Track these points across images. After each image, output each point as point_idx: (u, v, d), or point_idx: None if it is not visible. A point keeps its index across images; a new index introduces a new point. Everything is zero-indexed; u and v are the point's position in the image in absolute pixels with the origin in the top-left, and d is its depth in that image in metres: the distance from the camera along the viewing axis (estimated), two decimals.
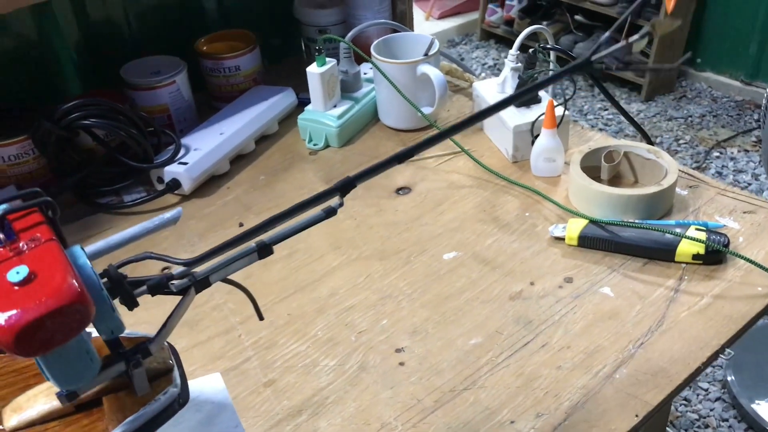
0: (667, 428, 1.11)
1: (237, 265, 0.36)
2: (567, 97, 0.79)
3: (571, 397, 0.54)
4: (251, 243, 0.36)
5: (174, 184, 0.80)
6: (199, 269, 0.36)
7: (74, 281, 0.29)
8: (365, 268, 0.69)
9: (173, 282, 0.35)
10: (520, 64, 0.83)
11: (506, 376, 0.56)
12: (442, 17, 3.23)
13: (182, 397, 0.35)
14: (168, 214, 0.37)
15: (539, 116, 0.78)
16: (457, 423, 0.53)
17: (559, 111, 0.77)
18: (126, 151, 0.81)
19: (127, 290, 0.35)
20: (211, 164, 0.82)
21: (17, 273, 0.30)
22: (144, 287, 0.35)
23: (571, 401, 0.54)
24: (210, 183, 0.83)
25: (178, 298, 0.36)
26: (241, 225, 0.76)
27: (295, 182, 0.83)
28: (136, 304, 0.35)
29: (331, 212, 0.38)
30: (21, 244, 0.32)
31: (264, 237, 0.37)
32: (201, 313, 0.63)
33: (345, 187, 0.37)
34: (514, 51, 0.83)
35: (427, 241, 0.71)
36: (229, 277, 0.37)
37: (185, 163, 0.80)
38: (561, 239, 0.69)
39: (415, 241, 0.71)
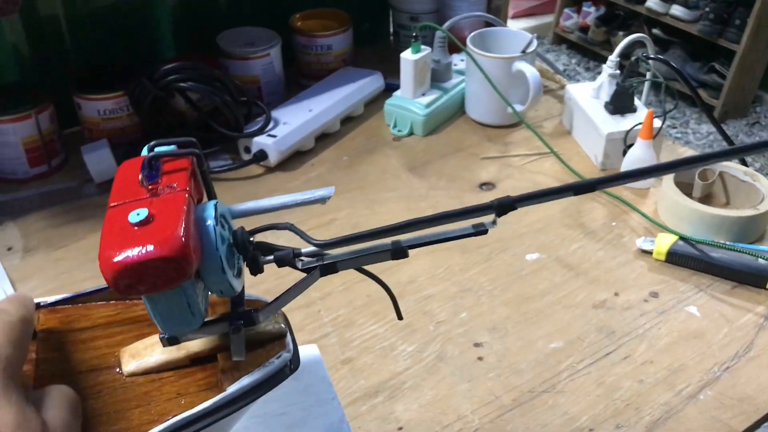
0: None
1: (367, 260, 0.35)
2: (668, 109, 0.77)
3: (653, 412, 0.53)
4: (387, 241, 0.35)
5: (261, 156, 0.80)
6: (330, 254, 0.36)
7: (182, 235, 0.30)
8: (446, 260, 0.68)
9: (301, 259, 0.35)
10: (618, 72, 0.81)
11: (587, 384, 0.55)
12: (515, 17, 3.20)
13: (293, 363, 0.35)
14: (320, 191, 0.37)
15: (635, 125, 0.77)
16: (535, 424, 0.52)
17: (655, 123, 0.75)
18: (216, 117, 0.82)
19: (251, 256, 0.35)
20: (297, 139, 0.82)
21: (137, 214, 0.31)
22: (271, 257, 0.35)
23: (653, 416, 0.53)
24: (294, 158, 0.84)
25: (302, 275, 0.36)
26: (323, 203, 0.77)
27: (378, 166, 0.83)
28: (261, 271, 0.36)
29: (481, 231, 0.35)
30: (158, 188, 0.33)
31: (401, 238, 0.36)
32: (284, 284, 0.64)
33: (502, 207, 0.34)
34: (614, 57, 0.81)
35: (509, 240, 0.71)
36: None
37: (274, 136, 0.81)
38: (648, 253, 0.68)
39: (498, 239, 0.71)
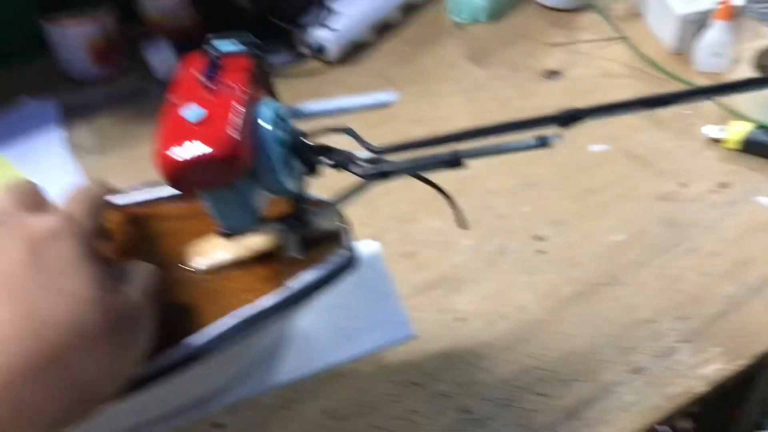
0: None
1: (424, 168, 0.35)
2: None
3: (716, 305, 0.53)
4: (445, 150, 0.35)
5: (320, 50, 0.80)
6: (387, 160, 0.36)
7: (234, 135, 0.30)
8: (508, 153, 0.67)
9: (358, 164, 0.36)
10: None
11: (649, 277, 0.55)
12: None
13: (352, 261, 0.36)
14: (383, 96, 0.37)
15: (713, 5, 0.72)
16: (595, 315, 0.53)
17: (736, 0, 0.70)
18: (275, 12, 0.81)
19: (307, 158, 0.36)
20: (357, 31, 0.81)
21: (192, 112, 0.31)
22: (329, 160, 0.35)
23: (716, 309, 0.52)
24: (355, 51, 0.83)
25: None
26: None
27: (440, 56, 0.81)
28: (318, 174, 0.36)
29: (544, 144, 0.34)
30: (216, 86, 0.33)
31: (459, 147, 0.35)
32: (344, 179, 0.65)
33: (568, 119, 0.33)
34: None
35: (574, 130, 0.69)
36: None
37: (333, 29, 0.79)
38: (720, 142, 0.65)
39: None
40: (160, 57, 0.79)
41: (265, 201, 0.36)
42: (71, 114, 0.78)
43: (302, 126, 0.37)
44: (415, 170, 0.35)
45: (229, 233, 0.35)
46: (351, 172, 0.36)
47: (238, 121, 0.31)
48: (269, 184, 0.34)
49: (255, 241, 0.37)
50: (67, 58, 0.81)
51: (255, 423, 0.48)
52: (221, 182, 0.31)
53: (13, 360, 0.26)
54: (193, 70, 0.34)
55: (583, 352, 0.50)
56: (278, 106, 0.35)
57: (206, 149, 0.30)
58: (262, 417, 0.48)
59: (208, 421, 0.48)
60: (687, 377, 0.48)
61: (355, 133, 0.37)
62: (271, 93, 0.37)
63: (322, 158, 0.36)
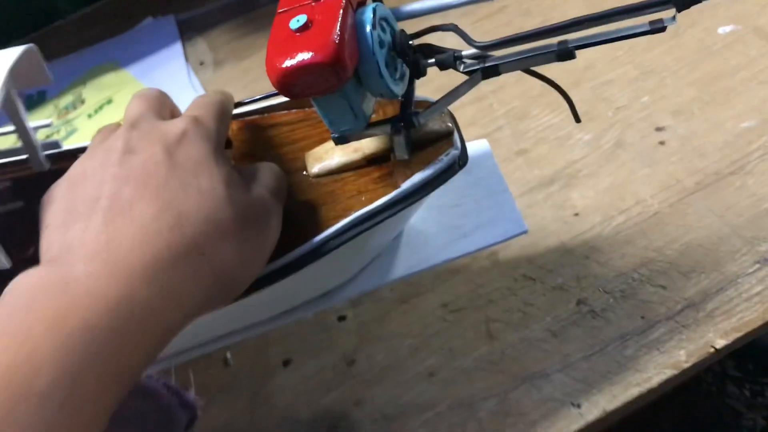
0: None
1: (531, 62, 0.34)
2: None
3: None
4: (553, 41, 0.33)
5: None
6: (493, 55, 0.35)
7: (336, 41, 0.30)
8: (627, 41, 0.64)
9: (463, 61, 0.35)
10: None
11: None
12: None
13: (462, 159, 0.37)
14: None
15: None
16: (719, 206, 0.51)
17: None
18: None
19: (411, 58, 0.36)
20: None
21: (297, 21, 0.32)
22: (433, 59, 0.35)
23: None
24: None
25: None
26: None
27: None
28: (422, 74, 0.36)
29: (658, 28, 0.32)
30: None
31: (568, 37, 0.33)
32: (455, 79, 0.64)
33: (683, 0, 0.30)
34: None
35: (699, 12, 0.64)
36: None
37: None
38: None
39: (686, 12, 0.64)
40: None
41: (372, 104, 0.37)
42: (189, 29, 0.81)
43: (406, 26, 0.37)
44: (523, 64, 0.34)
45: (340, 138, 0.36)
46: (457, 69, 0.36)
47: (340, 26, 0.31)
48: (375, 87, 0.34)
49: (366, 145, 0.38)
50: None
51: (375, 315, 0.50)
52: (327, 88, 0.32)
53: (157, 249, 0.29)
54: None
55: (707, 244, 0.49)
56: (380, 7, 0.35)
57: (310, 56, 0.30)
58: (382, 310, 0.51)
59: (333, 313, 0.51)
60: None
61: (460, 29, 0.36)
62: None
63: (425, 58, 0.36)
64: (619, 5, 0.32)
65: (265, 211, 0.33)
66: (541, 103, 0.61)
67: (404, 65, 0.36)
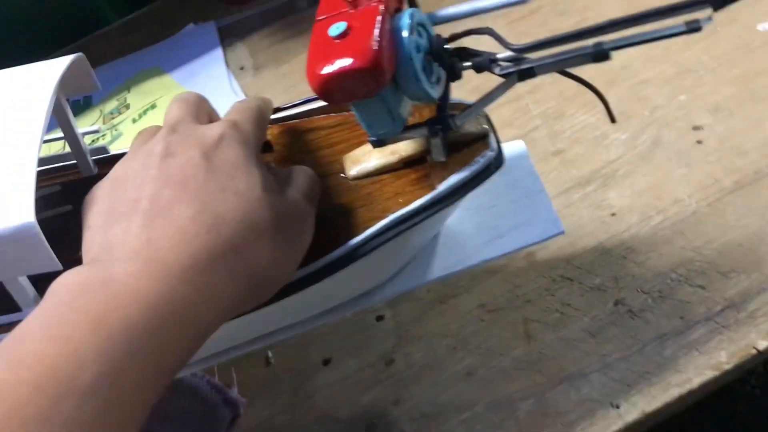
0: None
1: (567, 63, 0.34)
2: None
3: None
4: (588, 43, 0.34)
5: None
6: (528, 58, 0.36)
7: (375, 47, 0.31)
8: (662, 41, 0.64)
9: (499, 64, 0.36)
10: None
11: None
12: None
13: (497, 161, 0.37)
14: None
15: None
16: (759, 205, 0.50)
17: None
18: None
19: (447, 62, 0.36)
20: None
21: (336, 28, 0.33)
22: (469, 63, 0.36)
23: None
24: None
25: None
26: None
27: None
28: (458, 77, 0.37)
29: (694, 28, 0.31)
30: (357, 0, 0.34)
31: (604, 39, 0.33)
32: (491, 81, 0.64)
33: None
34: None
35: (739, 8, 0.63)
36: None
37: None
38: None
39: (725, 8, 0.64)
40: None
41: (409, 108, 0.37)
42: (229, 35, 0.83)
43: (442, 30, 0.37)
44: (558, 66, 0.35)
45: (378, 141, 0.37)
46: (492, 72, 0.36)
47: (378, 32, 0.32)
48: (412, 91, 0.35)
49: (403, 148, 0.39)
50: None
51: (413, 315, 0.51)
52: (366, 92, 0.32)
53: (195, 249, 0.30)
54: None
55: (747, 244, 0.49)
56: (416, 12, 0.35)
57: (349, 62, 0.31)
58: (420, 309, 0.51)
59: (371, 313, 0.52)
60: None
61: (495, 33, 0.36)
62: (411, 1, 0.37)
63: (462, 61, 0.36)
64: (655, 6, 0.32)
65: (299, 214, 0.34)
66: (577, 103, 0.61)
67: (440, 69, 0.37)
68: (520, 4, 0.36)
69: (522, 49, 0.35)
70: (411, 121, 0.37)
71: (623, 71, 0.62)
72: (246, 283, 0.31)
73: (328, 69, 0.32)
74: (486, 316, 0.50)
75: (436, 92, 0.36)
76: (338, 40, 0.33)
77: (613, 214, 0.53)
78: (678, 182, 0.53)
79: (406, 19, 0.34)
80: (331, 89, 0.32)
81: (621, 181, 0.55)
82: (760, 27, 0.61)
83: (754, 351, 0.44)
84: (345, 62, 0.31)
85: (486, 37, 0.38)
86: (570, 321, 0.48)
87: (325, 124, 0.43)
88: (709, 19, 0.31)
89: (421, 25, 0.36)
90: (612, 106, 0.60)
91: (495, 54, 0.36)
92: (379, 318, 0.52)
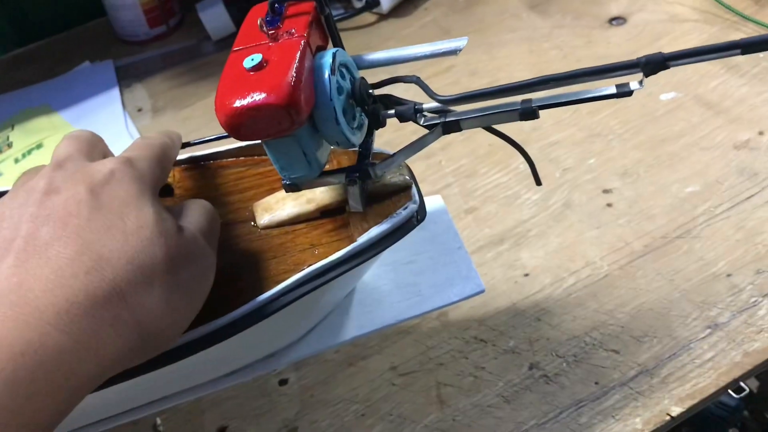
0: None
1: (493, 119, 0.33)
2: None
3: None
4: (517, 99, 0.32)
5: (372, 2, 0.78)
6: (454, 110, 0.34)
7: (291, 83, 0.29)
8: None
9: (424, 114, 0.34)
10: None
11: (725, 229, 0.53)
12: None
13: (420, 214, 0.35)
14: (453, 42, 0.35)
15: None
16: (668, 270, 0.50)
17: None
18: None
19: (371, 109, 0.34)
20: None
21: (252, 60, 0.30)
22: (393, 111, 0.34)
23: None
24: (408, 2, 0.80)
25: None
26: None
27: (497, 6, 0.78)
28: (382, 125, 0.35)
29: (625, 92, 0.31)
30: (278, 33, 0.32)
31: (533, 97, 0.32)
32: (404, 136, 0.63)
33: (652, 65, 0.29)
34: None
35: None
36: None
37: None
38: None
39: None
40: (214, 16, 0.78)
41: (327, 152, 0.35)
42: (127, 75, 0.78)
43: (367, 76, 0.35)
44: (485, 122, 0.33)
45: (292, 185, 0.34)
46: (416, 122, 0.34)
47: (296, 68, 0.30)
48: (330, 134, 0.33)
49: (321, 196, 0.36)
50: (122, 19, 0.81)
51: (320, 379, 0.47)
52: (279, 131, 0.30)
53: (72, 292, 0.26)
54: (256, 17, 0.33)
55: (657, 308, 0.48)
56: (341, 53, 0.33)
57: (262, 97, 0.29)
58: (327, 372, 0.48)
59: (274, 376, 0.48)
60: (767, 332, 0.46)
61: (422, 82, 0.35)
62: (336, 41, 0.35)
63: (386, 108, 0.34)
64: (585, 68, 0.31)
65: (197, 254, 0.31)
66: (490, 162, 0.61)
67: (363, 114, 0.35)
68: (450, 54, 0.35)
69: (448, 100, 0.33)
70: (328, 167, 0.35)
71: (534, 132, 0.63)
72: (134, 333, 0.28)
73: (238, 102, 0.29)
74: (397, 379, 0.47)
75: (356, 138, 0.34)
76: (253, 73, 0.30)
77: (527, 275, 0.52)
78: (590, 244, 0.53)
79: (328, 57, 0.32)
80: (240, 124, 0.30)
81: (534, 241, 0.54)
82: (663, 97, 0.64)
83: (667, 417, 0.43)
84: (257, 96, 0.29)
85: (409, 88, 0.36)
86: (484, 385, 0.46)
87: (235, 167, 0.40)
88: (640, 84, 0.31)
89: (345, 66, 0.34)
90: (523, 166, 0.60)
91: (421, 104, 0.34)
92: (283, 382, 0.48)
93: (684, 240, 0.52)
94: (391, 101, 0.36)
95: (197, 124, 0.70)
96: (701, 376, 0.45)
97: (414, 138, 0.35)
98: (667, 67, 0.29)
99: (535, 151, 0.61)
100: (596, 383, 0.45)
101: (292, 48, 0.31)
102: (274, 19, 0.33)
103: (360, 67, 0.36)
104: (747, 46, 0.28)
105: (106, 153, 0.35)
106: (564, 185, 0.58)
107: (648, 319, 0.48)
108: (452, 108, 0.35)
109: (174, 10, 0.83)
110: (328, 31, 0.35)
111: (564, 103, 0.32)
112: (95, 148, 0.34)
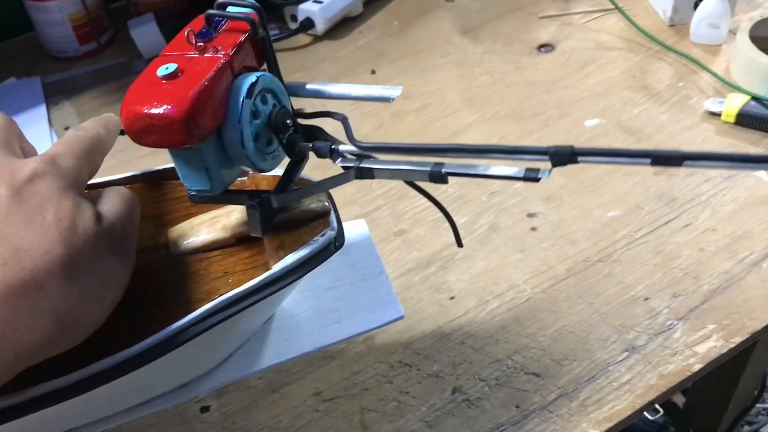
0: None
1: (405, 175, 0.34)
2: None
3: (712, 281, 0.52)
4: (430, 161, 0.33)
5: (307, 24, 0.78)
6: (371, 157, 0.34)
7: (196, 98, 0.29)
8: (500, 129, 0.66)
9: (341, 155, 0.34)
10: None
11: (644, 253, 0.54)
12: None
13: (338, 240, 0.35)
14: (387, 90, 0.35)
15: None
16: (589, 293, 0.52)
17: None
18: None
19: (287, 139, 0.34)
20: (345, 5, 0.79)
21: (166, 68, 0.30)
22: (310, 144, 0.34)
23: (711, 285, 0.52)
24: (343, 25, 0.81)
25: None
26: (373, 72, 0.74)
27: (430, 30, 0.79)
28: (298, 156, 0.35)
29: (531, 178, 0.32)
30: (207, 47, 0.32)
31: (445, 161, 0.33)
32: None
33: (560, 157, 0.30)
34: None
35: (568, 105, 0.68)
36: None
37: (320, 2, 0.77)
38: (716, 115, 0.64)
39: (556, 104, 0.68)
40: (145, 33, 0.77)
41: (236, 172, 0.35)
42: (56, 92, 0.77)
43: (298, 104, 0.35)
44: (398, 176, 0.34)
45: (195, 197, 0.34)
46: (332, 161, 0.35)
47: (205, 85, 0.30)
48: (235, 156, 0.33)
49: (236, 223, 0.36)
50: (50, 34, 0.79)
51: (242, 406, 0.47)
52: (175, 143, 0.30)
53: None
54: (191, 29, 0.33)
55: (578, 331, 0.49)
56: (266, 78, 0.33)
57: (161, 106, 0.29)
58: (250, 399, 0.47)
59: (195, 403, 0.47)
60: (682, 355, 0.47)
61: (347, 123, 0.35)
62: (270, 64, 0.35)
63: (310, 140, 0.35)
64: (501, 144, 0.32)
65: (116, 243, 0.31)
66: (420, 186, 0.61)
67: (277, 141, 0.35)
68: (383, 101, 0.35)
69: (365, 147, 0.34)
70: (252, 187, 0.35)
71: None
72: (51, 322, 0.28)
73: (140, 108, 0.29)
74: (321, 405, 0.47)
75: (267, 164, 0.34)
76: (164, 81, 0.30)
77: (452, 298, 0.52)
78: (514, 268, 0.54)
79: (248, 80, 0.32)
80: (139, 129, 0.30)
81: (460, 264, 0.55)
82: (588, 123, 0.65)
83: None
84: (158, 105, 0.29)
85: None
86: (407, 410, 0.46)
87: (150, 194, 0.39)
88: (548, 172, 0.32)
89: (272, 92, 0.34)
90: (451, 190, 0.61)
91: (339, 144, 0.35)
92: (204, 409, 0.47)
93: (605, 264, 0.54)
94: (314, 134, 0.36)
95: (126, 143, 0.69)
96: (618, 399, 0.46)
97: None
98: (575, 161, 0.31)
99: None
100: (517, 407, 0.46)
101: (210, 63, 0.31)
102: (209, 31, 0.33)
103: (292, 95, 0.36)
104: (656, 159, 0.29)
105: (21, 136, 0.35)
106: (490, 209, 0.59)
107: (569, 342, 0.49)
108: (369, 154, 0.35)
109: (105, 27, 0.81)
110: (264, 53, 0.35)
111: (472, 175, 0.33)
112: (13, 133, 0.33)
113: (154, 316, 0.33)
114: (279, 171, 0.36)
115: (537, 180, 0.32)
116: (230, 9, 0.34)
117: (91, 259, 0.29)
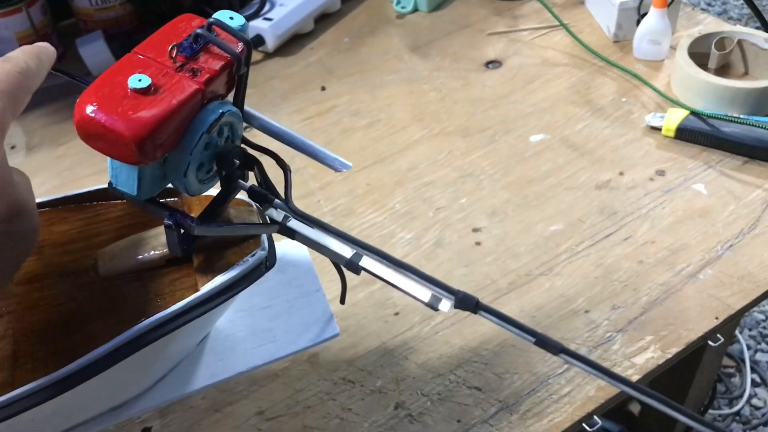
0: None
1: (325, 252, 0.35)
2: None
3: (650, 292, 0.53)
4: (351, 249, 0.35)
5: (257, 41, 0.78)
6: (300, 220, 0.35)
7: (149, 128, 0.28)
8: (447, 144, 0.67)
9: (273, 206, 0.34)
10: None
11: (585, 266, 0.55)
12: None
13: (269, 260, 0.35)
14: (340, 161, 0.36)
15: None
16: (531, 306, 0.52)
17: None
18: (211, 2, 0.79)
19: (228, 175, 0.34)
20: (295, 22, 0.80)
21: (139, 80, 0.29)
22: (247, 185, 0.34)
23: (650, 297, 0.53)
24: (293, 42, 0.81)
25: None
26: (323, 89, 0.75)
27: (380, 47, 0.80)
28: (232, 192, 0.35)
29: (433, 307, 0.35)
30: (184, 65, 0.31)
31: (365, 255, 0.35)
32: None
33: (464, 303, 0.32)
34: None
35: (514, 121, 0.69)
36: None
37: (270, 19, 0.78)
38: (657, 129, 0.66)
39: (502, 120, 0.69)
40: (95, 51, 0.77)
41: (164, 185, 0.34)
42: None
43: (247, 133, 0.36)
44: (317, 250, 0.36)
45: (115, 190, 0.33)
46: (260, 208, 0.35)
47: (168, 114, 0.29)
48: (172, 177, 0.32)
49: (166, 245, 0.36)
50: None
51: (185, 426, 0.46)
52: (122, 159, 0.29)
53: None
54: (179, 34, 0.32)
55: (519, 345, 0.50)
56: (231, 114, 0.33)
57: (116, 122, 0.28)
58: (193, 419, 0.47)
59: (138, 423, 0.47)
60: (620, 366, 0.48)
61: (289, 179, 0.36)
62: (238, 98, 0.35)
63: (242, 181, 0.35)
64: (417, 268, 0.33)
65: (28, 209, 0.30)
66: (366, 202, 0.62)
67: (217, 172, 0.35)
68: (332, 168, 0.36)
69: (298, 213, 0.34)
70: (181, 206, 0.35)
71: (410, 172, 0.64)
72: None
73: (96, 112, 0.28)
74: (263, 424, 0.46)
75: (197, 190, 0.33)
76: (129, 92, 0.29)
77: (397, 314, 0.53)
78: (458, 282, 0.54)
79: (214, 116, 0.31)
80: (88, 131, 0.29)
81: None
82: (533, 138, 0.66)
83: None
84: (116, 118, 0.28)
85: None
86: (350, 427, 0.46)
87: (81, 215, 0.39)
88: (449, 308, 0.33)
89: (230, 126, 0.34)
90: (398, 206, 0.62)
91: (274, 198, 0.35)
92: (146, 430, 0.46)
93: (546, 277, 0.54)
94: (256, 167, 0.36)
95: (72, 162, 0.68)
96: (557, 411, 0.46)
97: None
98: (475, 312, 0.32)
99: (411, 191, 0.62)
100: (458, 421, 0.46)
101: (182, 90, 0.30)
102: (192, 47, 0.31)
103: (247, 123, 0.36)
104: (540, 340, 0.32)
105: None
106: (436, 224, 0.59)
107: (510, 356, 0.49)
108: (298, 217, 0.35)
109: (53, 44, 0.81)
110: (237, 87, 0.34)
111: (384, 280, 0.35)
112: None
113: (78, 342, 0.32)
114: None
115: (436, 310, 0.35)
116: (221, 31, 0.33)
117: (6, 219, 0.28)
